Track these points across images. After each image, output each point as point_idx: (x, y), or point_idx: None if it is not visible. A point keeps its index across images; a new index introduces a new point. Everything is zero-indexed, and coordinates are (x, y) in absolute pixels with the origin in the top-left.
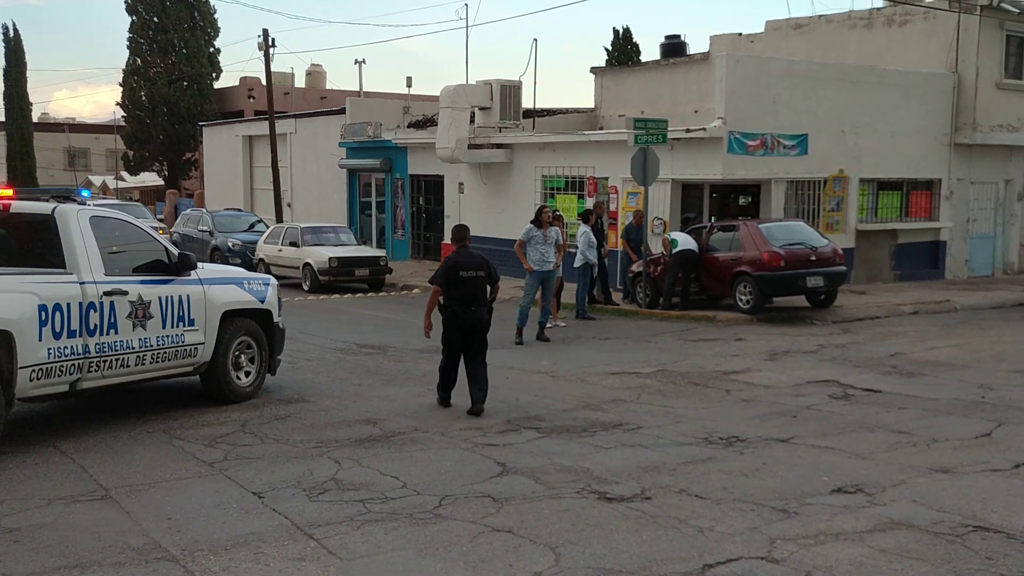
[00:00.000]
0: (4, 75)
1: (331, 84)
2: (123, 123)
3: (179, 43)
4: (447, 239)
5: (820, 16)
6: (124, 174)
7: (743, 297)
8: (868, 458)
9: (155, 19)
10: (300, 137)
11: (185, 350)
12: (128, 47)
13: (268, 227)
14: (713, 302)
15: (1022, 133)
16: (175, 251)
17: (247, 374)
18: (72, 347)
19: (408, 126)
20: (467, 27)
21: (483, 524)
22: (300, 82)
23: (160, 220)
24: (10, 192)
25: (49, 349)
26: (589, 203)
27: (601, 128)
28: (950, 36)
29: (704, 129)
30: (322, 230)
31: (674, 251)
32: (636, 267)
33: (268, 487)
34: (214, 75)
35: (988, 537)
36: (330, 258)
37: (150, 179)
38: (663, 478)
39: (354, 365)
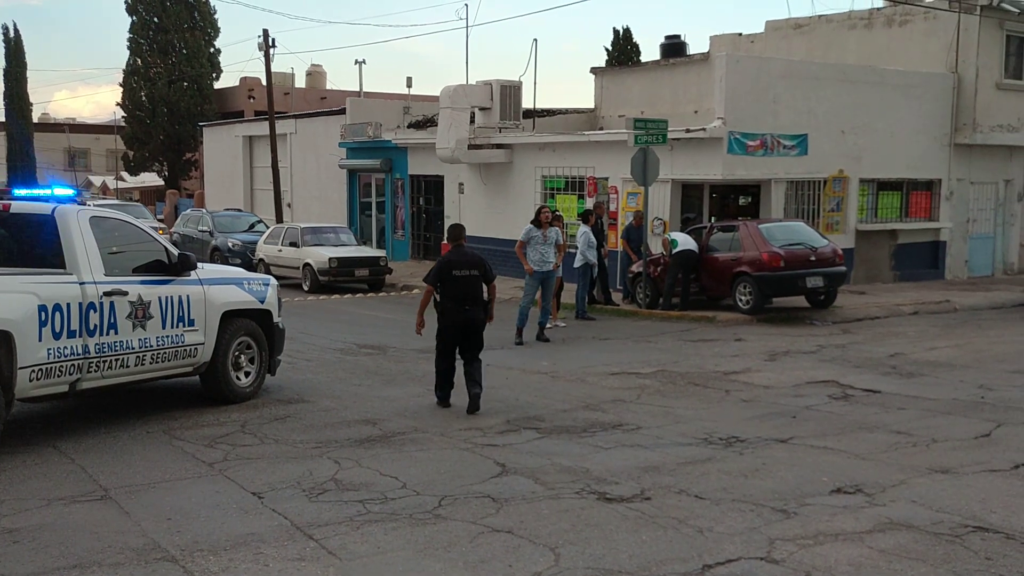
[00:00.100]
0: (4, 75)
1: (331, 84)
2: (123, 123)
3: (179, 43)
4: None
5: (820, 16)
6: (124, 174)
7: (743, 297)
8: (868, 458)
9: (155, 19)
10: (300, 137)
11: (185, 350)
12: (128, 47)
13: (268, 227)
14: (713, 302)
15: (1022, 133)
16: (175, 251)
17: (247, 374)
18: (72, 347)
19: (408, 126)
20: (467, 27)
21: (483, 524)
22: (300, 82)
23: (160, 220)
24: None
25: (49, 349)
26: (589, 203)
27: (601, 128)
28: (950, 36)
29: (704, 129)
30: (322, 230)
31: (674, 251)
32: (636, 267)
33: (268, 487)
34: (214, 75)
35: (987, 537)
36: (330, 258)
37: (150, 179)
38: (663, 478)
39: (354, 365)
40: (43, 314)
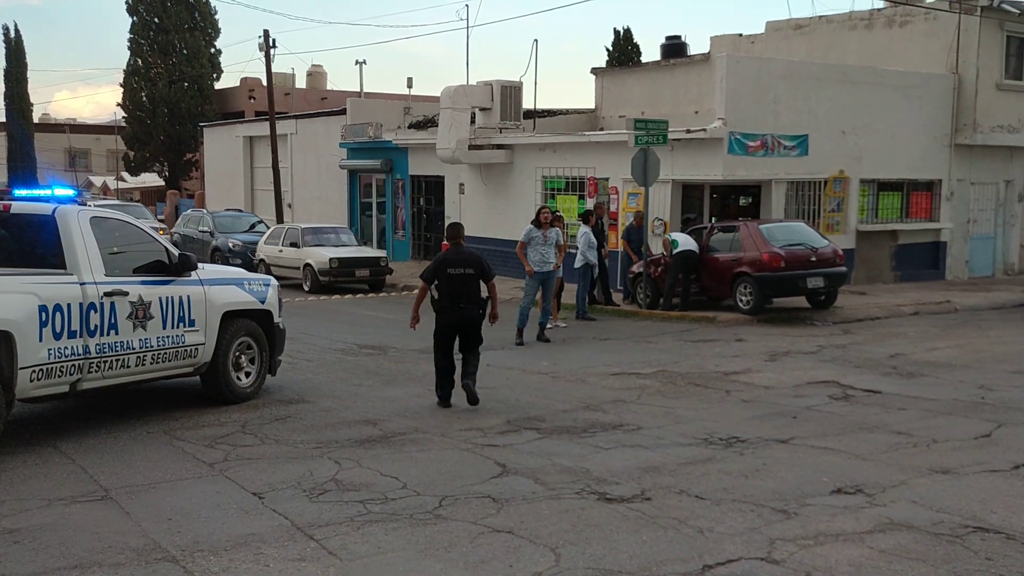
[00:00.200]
0: (5, 76)
1: (332, 85)
2: (124, 124)
3: (180, 44)
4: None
5: (820, 17)
6: (125, 175)
7: (743, 298)
8: (868, 459)
9: (156, 20)
10: (301, 138)
11: (185, 351)
12: (129, 48)
13: (268, 228)
14: (713, 303)
15: (1022, 134)
16: (175, 252)
17: (247, 375)
18: (72, 348)
19: (409, 127)
20: (468, 27)
21: (483, 525)
22: (301, 83)
23: (161, 221)
24: None
25: (49, 350)
26: (589, 204)
27: (602, 129)
28: (950, 37)
29: (704, 130)
30: (322, 231)
31: (674, 252)
32: (636, 268)
33: (268, 488)
34: (215, 76)
35: (988, 538)
36: (331, 259)
37: (151, 180)
38: (663, 479)
39: (354, 365)
40: (44, 314)
